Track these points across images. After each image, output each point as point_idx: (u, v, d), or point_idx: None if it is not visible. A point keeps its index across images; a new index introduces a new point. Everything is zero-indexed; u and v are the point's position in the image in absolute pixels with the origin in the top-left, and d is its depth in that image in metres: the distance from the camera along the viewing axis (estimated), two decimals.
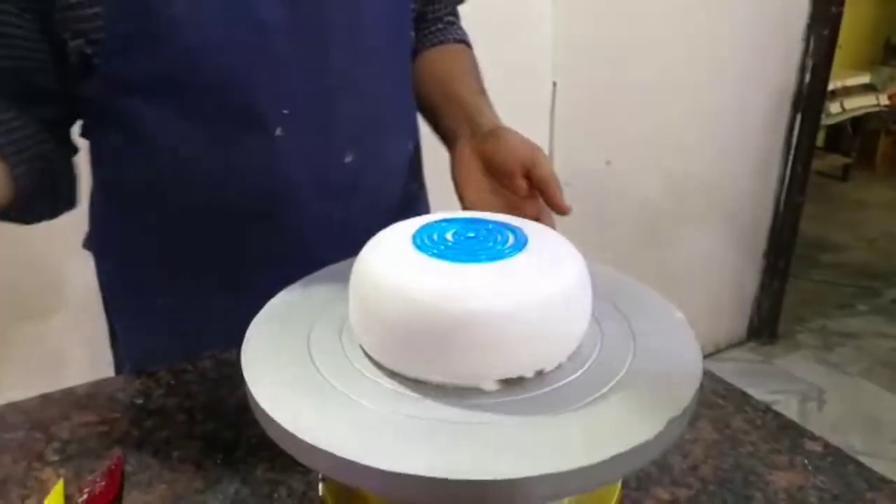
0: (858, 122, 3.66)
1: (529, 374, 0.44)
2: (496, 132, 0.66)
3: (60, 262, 1.30)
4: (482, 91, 0.76)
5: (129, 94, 0.61)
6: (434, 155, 0.78)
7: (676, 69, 1.89)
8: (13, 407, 0.60)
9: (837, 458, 0.55)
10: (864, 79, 3.56)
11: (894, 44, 3.85)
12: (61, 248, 1.16)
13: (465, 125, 0.70)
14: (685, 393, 0.41)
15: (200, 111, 0.61)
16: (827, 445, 0.57)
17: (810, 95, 2.12)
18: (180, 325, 0.72)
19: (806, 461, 0.55)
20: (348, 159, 0.68)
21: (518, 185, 0.64)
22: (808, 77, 2.10)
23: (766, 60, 2.04)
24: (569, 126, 1.74)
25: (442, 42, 0.82)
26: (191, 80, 0.60)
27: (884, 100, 3.59)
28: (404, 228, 0.49)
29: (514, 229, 0.49)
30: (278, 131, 0.63)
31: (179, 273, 0.69)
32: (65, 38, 0.58)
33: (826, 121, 3.28)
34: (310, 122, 0.65)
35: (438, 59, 0.80)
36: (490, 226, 0.49)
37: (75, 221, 0.74)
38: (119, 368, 0.81)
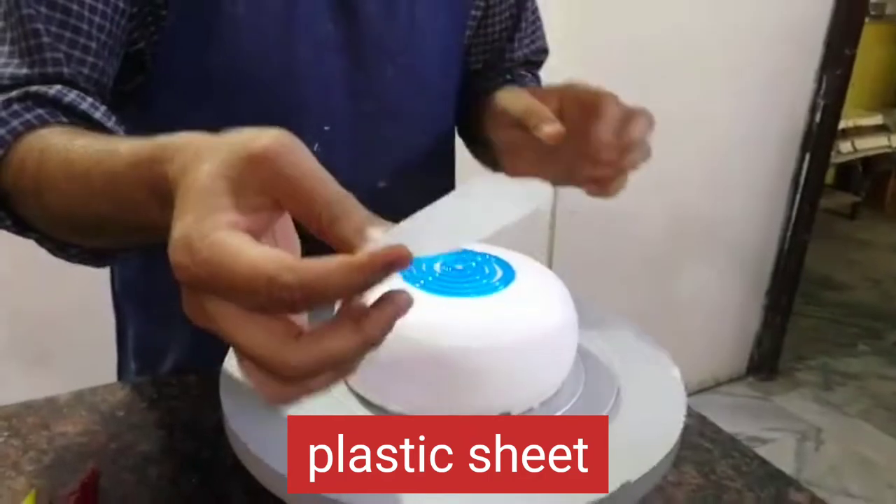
0: (869, 162, 3.65)
1: (516, 410, 0.44)
2: (554, 85, 0.64)
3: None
4: None
5: (170, 93, 0.60)
6: None
7: (687, 104, 1.89)
8: None
9: None
10: (877, 120, 3.56)
11: None
12: None
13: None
14: (651, 459, 0.40)
15: (242, 117, 0.60)
16: (813, 499, 0.56)
17: (820, 135, 2.12)
18: (189, 328, 0.72)
19: None
20: (381, 185, 0.68)
21: (608, 120, 0.56)
22: (818, 117, 2.10)
23: (777, 99, 2.04)
24: None
25: (514, 83, 0.78)
26: (238, 84, 0.60)
27: (895, 141, 3.59)
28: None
29: (501, 262, 0.49)
30: (316, 147, 0.63)
31: None
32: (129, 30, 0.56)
33: (836, 159, 3.28)
34: (349, 141, 0.65)
35: (501, 91, 0.73)
36: (478, 258, 0.49)
37: None
38: (121, 365, 0.81)
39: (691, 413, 0.61)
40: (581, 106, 0.58)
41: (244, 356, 0.31)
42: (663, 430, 0.42)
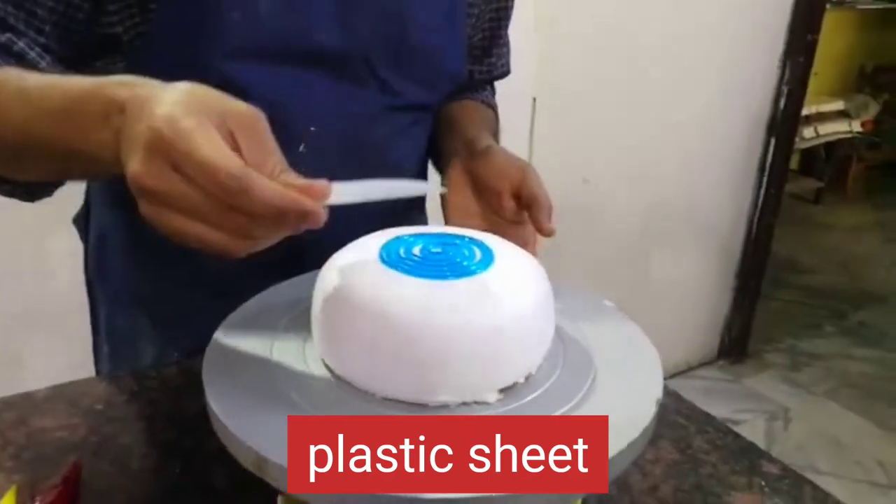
0: (832, 148, 3.73)
1: (497, 390, 0.44)
2: (487, 150, 0.66)
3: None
4: (491, 131, 0.75)
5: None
6: None
7: (655, 90, 1.91)
8: None
9: (794, 481, 0.56)
10: (839, 105, 3.64)
11: (868, 72, 3.93)
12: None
13: (462, 148, 0.69)
14: (629, 435, 0.41)
15: None
16: (785, 468, 0.57)
17: (785, 121, 2.16)
18: (163, 316, 0.72)
19: (763, 483, 0.56)
20: None
21: (506, 206, 0.63)
22: (783, 103, 2.14)
23: (742, 86, 2.07)
24: (548, 142, 1.75)
25: (470, 98, 0.82)
26: (222, 82, 0.59)
27: (857, 126, 3.67)
28: (369, 243, 0.49)
29: (479, 244, 0.49)
30: (302, 147, 0.63)
31: (171, 270, 0.68)
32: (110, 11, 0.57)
33: (800, 145, 3.34)
34: (334, 143, 0.66)
35: (456, 105, 0.80)
36: (456, 241, 0.49)
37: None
38: (96, 349, 0.81)
39: (668, 392, 0.62)
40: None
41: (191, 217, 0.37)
42: (640, 407, 0.43)
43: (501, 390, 0.44)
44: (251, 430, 0.39)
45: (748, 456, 0.59)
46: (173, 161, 0.36)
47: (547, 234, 0.62)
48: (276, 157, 0.39)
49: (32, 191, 0.57)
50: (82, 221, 0.78)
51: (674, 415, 0.64)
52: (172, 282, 0.69)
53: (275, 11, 0.59)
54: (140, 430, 0.57)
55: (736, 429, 0.63)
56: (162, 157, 0.36)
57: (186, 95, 0.38)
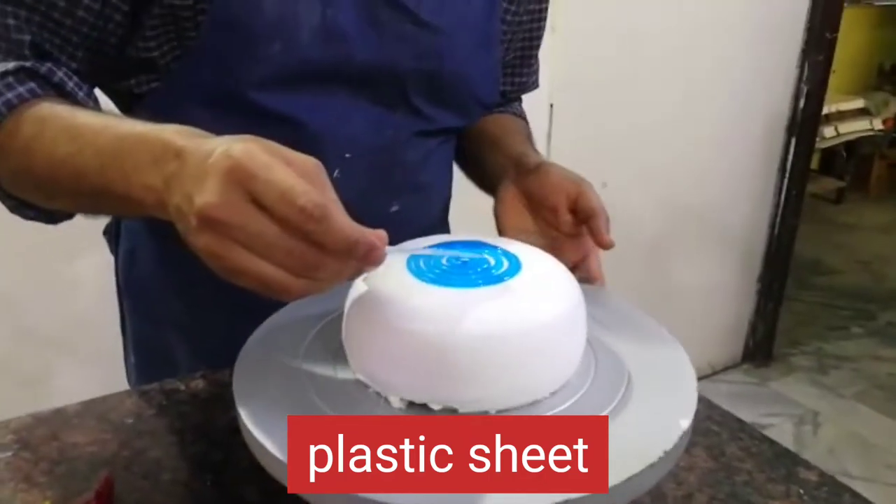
0: (852, 146, 3.69)
1: (528, 399, 0.44)
2: (540, 167, 0.66)
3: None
4: (532, 145, 0.76)
5: (189, 105, 0.60)
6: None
7: (674, 93, 1.90)
8: (3, 425, 0.59)
9: (833, 488, 0.55)
10: (859, 103, 3.59)
11: (887, 69, 3.89)
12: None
13: (511, 168, 0.69)
14: (664, 443, 0.40)
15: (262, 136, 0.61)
16: (822, 475, 0.56)
17: (805, 120, 2.14)
18: (191, 330, 0.72)
19: (801, 491, 0.55)
20: (394, 209, 0.70)
21: (563, 220, 0.63)
22: (802, 102, 2.12)
23: (761, 86, 2.06)
24: (566, 148, 1.75)
25: (502, 112, 0.83)
26: (262, 110, 0.60)
27: (878, 124, 3.62)
28: (397, 253, 0.48)
29: (507, 253, 0.49)
30: (336, 173, 0.64)
31: (200, 285, 0.68)
32: (148, 36, 0.58)
33: (820, 144, 3.30)
34: (367, 169, 0.67)
35: (491, 120, 0.80)
36: (484, 250, 0.49)
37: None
38: (127, 363, 0.82)
39: (699, 398, 0.61)
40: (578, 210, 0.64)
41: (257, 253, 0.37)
42: (674, 419, 0.43)
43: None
44: (282, 442, 0.39)
45: (784, 463, 0.58)
46: (253, 191, 0.36)
47: (607, 245, 0.62)
48: (339, 206, 0.39)
49: (54, 216, 0.58)
50: (113, 233, 0.79)
51: (706, 421, 0.63)
52: (201, 296, 0.70)
53: (315, 41, 0.59)
54: (170, 444, 0.57)
55: (764, 433, 0.61)
56: (241, 188, 0.36)
57: (254, 141, 0.38)
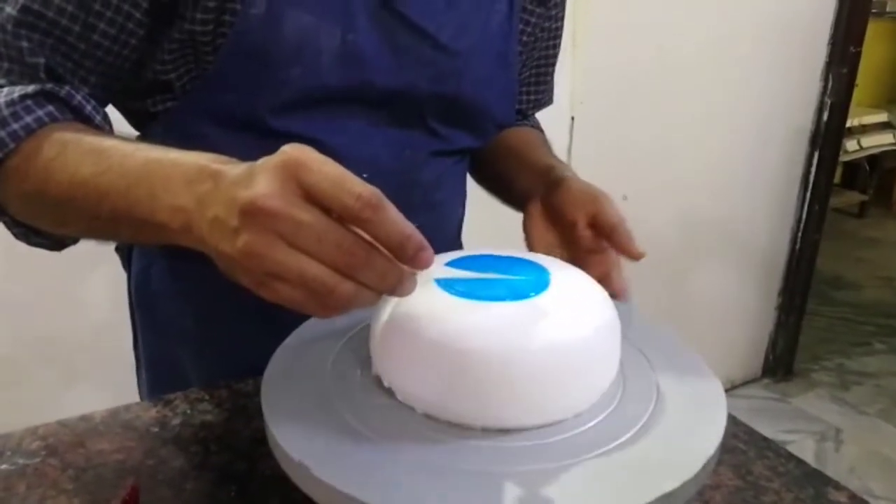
0: (875, 160, 3.65)
1: (558, 418, 0.43)
2: (561, 181, 0.65)
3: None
4: (554, 156, 0.76)
5: (206, 124, 0.61)
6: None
7: (696, 106, 1.89)
8: (31, 432, 0.59)
9: None
10: (882, 117, 3.56)
11: None
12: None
13: (539, 182, 0.69)
14: (692, 467, 0.40)
15: None
16: (853, 496, 0.55)
17: (828, 134, 2.12)
18: (206, 346, 0.72)
19: None
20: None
21: (582, 236, 0.62)
22: (825, 116, 2.10)
23: (784, 99, 2.04)
24: (586, 161, 1.74)
25: (520, 125, 0.83)
26: (278, 129, 0.60)
27: None
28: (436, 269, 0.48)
29: (537, 267, 0.49)
30: None
31: (215, 301, 0.69)
32: (166, 60, 0.58)
33: (843, 158, 3.27)
34: (385, 188, 0.66)
35: (513, 134, 0.80)
36: (513, 264, 0.49)
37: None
38: (139, 379, 0.82)
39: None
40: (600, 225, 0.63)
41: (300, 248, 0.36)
42: (705, 437, 0.42)
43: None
44: (309, 454, 0.39)
45: (812, 483, 0.57)
46: (307, 182, 0.36)
47: (636, 257, 0.60)
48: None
49: (61, 242, 0.58)
50: (125, 250, 0.79)
51: (731, 439, 0.62)
52: (215, 315, 0.70)
53: (335, 66, 0.59)
54: (194, 453, 0.58)
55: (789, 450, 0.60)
56: (294, 181, 0.36)
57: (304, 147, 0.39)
